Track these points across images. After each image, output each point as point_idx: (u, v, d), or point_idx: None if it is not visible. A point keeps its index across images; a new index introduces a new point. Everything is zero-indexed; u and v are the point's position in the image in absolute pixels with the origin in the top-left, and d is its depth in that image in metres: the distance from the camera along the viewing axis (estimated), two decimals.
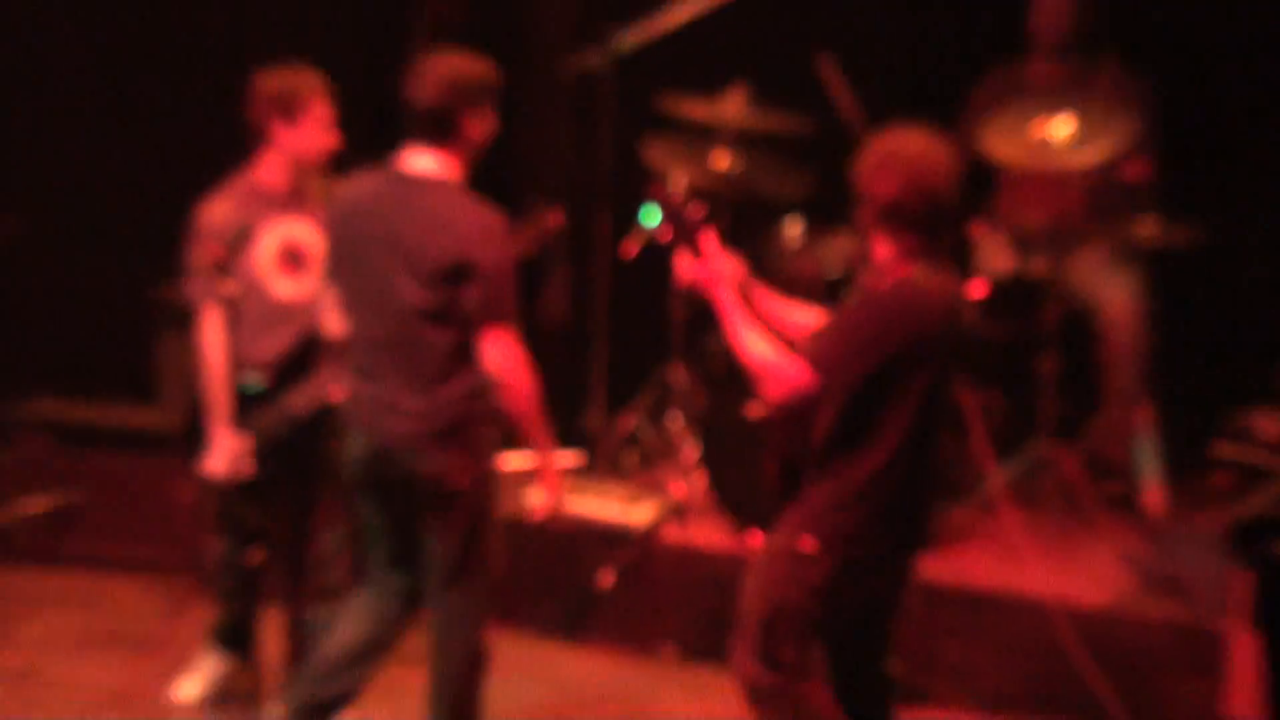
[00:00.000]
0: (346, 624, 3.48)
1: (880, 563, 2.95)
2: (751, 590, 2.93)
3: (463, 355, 3.10)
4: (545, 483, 3.32)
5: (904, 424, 2.83)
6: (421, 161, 3.10)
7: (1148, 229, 4.65)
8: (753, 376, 2.85)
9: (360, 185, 3.27)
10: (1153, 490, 4.75)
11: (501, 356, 3.07)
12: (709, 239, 2.88)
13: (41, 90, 5.75)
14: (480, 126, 3.22)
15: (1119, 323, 4.69)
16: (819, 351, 2.74)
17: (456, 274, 2.99)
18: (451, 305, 3.04)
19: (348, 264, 3.21)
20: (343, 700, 3.38)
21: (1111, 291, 4.68)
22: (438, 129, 3.16)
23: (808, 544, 2.81)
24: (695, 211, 2.93)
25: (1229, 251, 4.92)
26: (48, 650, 4.66)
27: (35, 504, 4.95)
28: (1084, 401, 4.87)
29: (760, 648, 2.88)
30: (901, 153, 2.81)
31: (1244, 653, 3.96)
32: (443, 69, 3.21)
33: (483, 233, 3.06)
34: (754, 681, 2.90)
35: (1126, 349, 4.79)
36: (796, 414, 2.82)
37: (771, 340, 2.83)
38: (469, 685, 3.27)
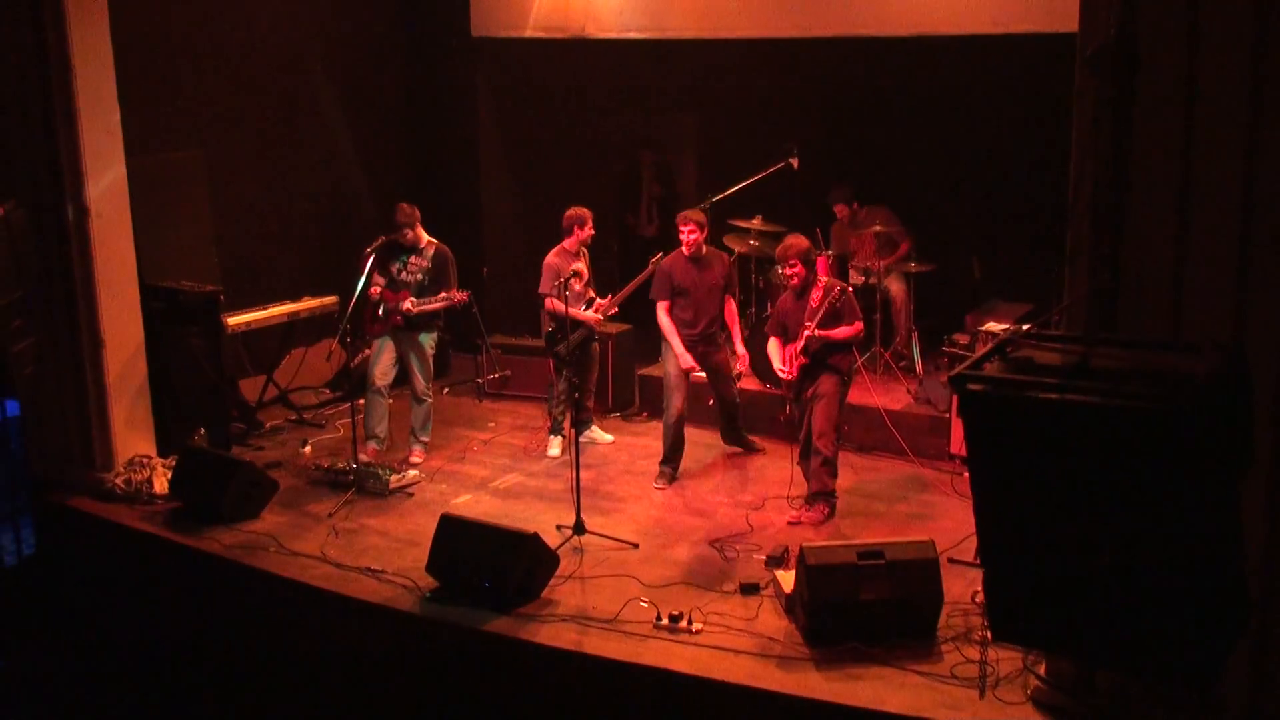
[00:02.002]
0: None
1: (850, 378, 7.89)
2: (827, 388, 7.65)
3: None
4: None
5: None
6: None
7: (907, 265, 9.53)
8: (843, 340, 7.60)
9: None
10: (917, 364, 9.23)
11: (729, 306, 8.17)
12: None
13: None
14: None
15: (898, 299, 9.60)
16: (853, 314, 7.64)
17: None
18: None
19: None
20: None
21: (896, 286, 9.60)
22: None
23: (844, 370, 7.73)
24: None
25: (941, 276, 9.64)
26: (499, 431, 9.27)
27: (496, 375, 9.80)
28: (887, 330, 9.59)
29: (835, 406, 7.67)
30: (797, 242, 7.77)
31: (957, 427, 8.28)
32: None
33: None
34: (833, 415, 7.65)
35: (902, 309, 9.60)
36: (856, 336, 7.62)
37: (837, 332, 7.59)
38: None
